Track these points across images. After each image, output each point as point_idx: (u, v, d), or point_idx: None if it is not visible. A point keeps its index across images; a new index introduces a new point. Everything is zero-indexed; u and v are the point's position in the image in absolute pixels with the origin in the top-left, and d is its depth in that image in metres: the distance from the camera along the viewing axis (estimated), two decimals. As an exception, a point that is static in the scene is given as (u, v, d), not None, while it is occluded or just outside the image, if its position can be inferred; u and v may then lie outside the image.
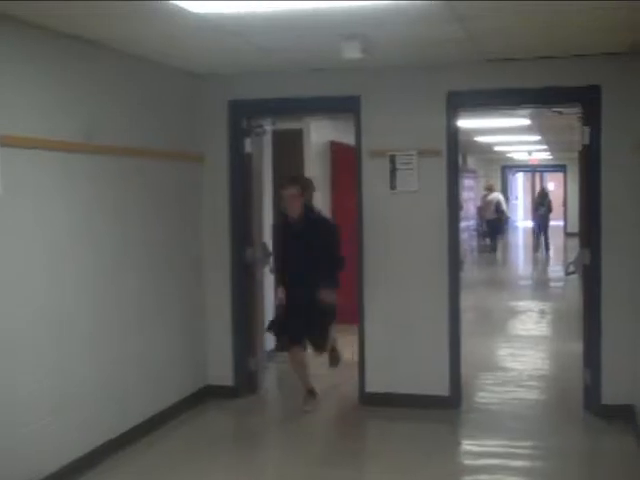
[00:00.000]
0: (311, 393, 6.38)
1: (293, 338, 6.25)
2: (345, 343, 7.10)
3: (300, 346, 6.27)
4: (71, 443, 4.82)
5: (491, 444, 5.55)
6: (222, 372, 6.56)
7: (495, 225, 20.51)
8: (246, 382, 6.65)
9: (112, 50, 5.18)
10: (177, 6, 4.13)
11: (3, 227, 4.28)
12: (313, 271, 6.07)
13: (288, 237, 6.21)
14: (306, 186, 6.27)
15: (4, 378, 4.28)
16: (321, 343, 6.38)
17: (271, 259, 6.73)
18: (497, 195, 21.06)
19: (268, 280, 7.25)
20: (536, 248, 21.02)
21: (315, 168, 9.18)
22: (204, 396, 6.45)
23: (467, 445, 5.72)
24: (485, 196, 20.70)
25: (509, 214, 23.28)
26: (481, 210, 20.73)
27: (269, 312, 7.28)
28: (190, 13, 4.28)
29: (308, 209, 6.23)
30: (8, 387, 4.31)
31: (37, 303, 4.53)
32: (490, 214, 20.24)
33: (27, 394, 4.44)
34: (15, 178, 4.31)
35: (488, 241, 20.87)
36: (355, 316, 6.45)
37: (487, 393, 6.85)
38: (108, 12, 4.22)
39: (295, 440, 5.68)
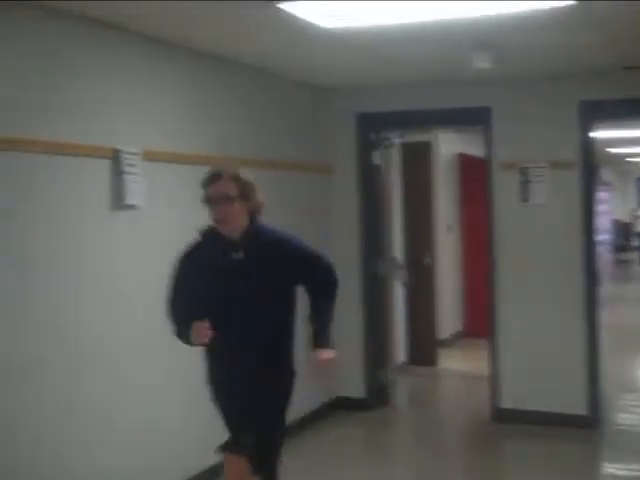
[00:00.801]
0: None
1: (232, 441, 3.51)
2: (474, 357, 6.96)
3: (240, 454, 3.45)
4: (203, 451, 4.91)
5: (635, 468, 5.28)
6: (353, 384, 6.54)
7: None
8: (377, 395, 6.62)
9: (243, 65, 5.32)
10: (306, 21, 4.18)
11: (145, 237, 4.46)
12: (262, 329, 3.46)
13: (215, 271, 3.46)
14: (249, 187, 3.54)
15: (156, 376, 4.47)
16: (268, 460, 3.56)
17: (401, 272, 6.61)
18: None
19: (398, 292, 7.21)
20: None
21: (444, 181, 9.10)
22: (335, 408, 6.46)
23: (609, 468, 5.46)
24: (635, 210, 20.15)
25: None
26: (617, 224, 20.12)
27: (399, 325, 7.21)
28: (319, 28, 4.32)
29: (255, 223, 3.55)
30: (158, 386, 4.49)
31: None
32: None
33: (174, 394, 4.61)
34: (155, 190, 4.49)
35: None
36: (483, 329, 6.32)
37: (629, 414, 6.53)
38: (239, 27, 4.33)
39: (426, 456, 5.60)
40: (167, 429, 4.62)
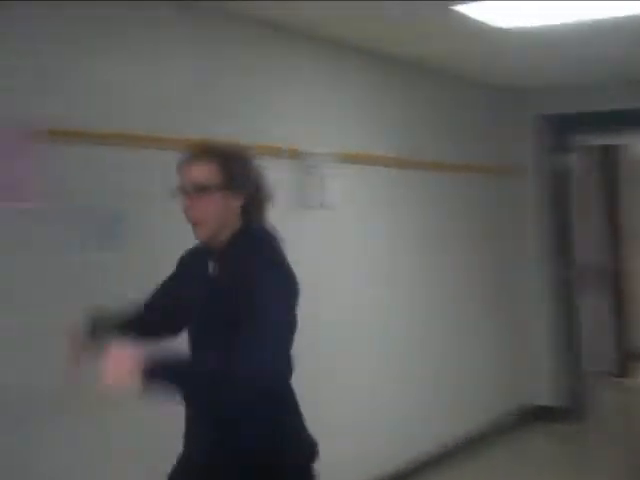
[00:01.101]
0: None
1: None
2: None
3: None
4: (390, 456, 4.94)
5: None
6: (547, 394, 6.36)
7: None
8: (574, 405, 6.36)
9: (426, 68, 5.38)
10: (485, 24, 4.17)
11: (336, 236, 4.60)
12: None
13: (187, 290, 2.39)
14: (242, 171, 2.29)
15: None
16: None
17: (593, 278, 6.32)
18: None
19: (591, 299, 6.99)
20: None
21: (637, 186, 8.67)
22: (529, 418, 6.29)
23: None
24: None
25: None
26: None
27: (596, 333, 6.93)
28: (500, 29, 4.29)
29: (253, 227, 2.31)
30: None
31: (363, 309, 4.77)
32: None
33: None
34: (345, 191, 4.61)
35: None
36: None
37: None
38: (418, 29, 4.37)
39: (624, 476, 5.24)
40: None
